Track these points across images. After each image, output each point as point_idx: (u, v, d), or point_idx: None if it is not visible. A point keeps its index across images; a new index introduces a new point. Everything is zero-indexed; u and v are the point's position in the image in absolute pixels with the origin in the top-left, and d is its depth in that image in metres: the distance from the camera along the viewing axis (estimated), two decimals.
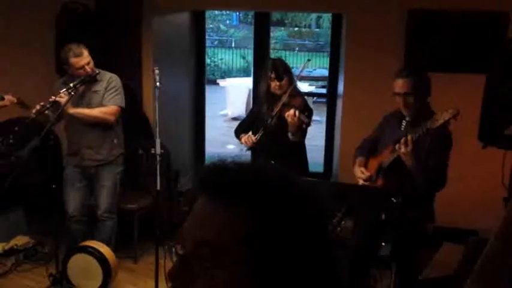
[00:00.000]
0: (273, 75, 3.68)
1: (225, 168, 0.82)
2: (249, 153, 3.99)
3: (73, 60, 3.67)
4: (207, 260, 0.77)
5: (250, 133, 3.81)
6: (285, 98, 3.62)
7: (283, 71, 3.67)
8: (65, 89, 3.65)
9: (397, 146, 2.93)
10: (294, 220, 0.78)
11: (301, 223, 0.79)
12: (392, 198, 2.76)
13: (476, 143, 3.60)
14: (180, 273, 0.79)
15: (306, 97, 3.90)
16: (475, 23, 4.25)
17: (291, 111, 3.44)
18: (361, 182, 3.31)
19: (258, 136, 3.70)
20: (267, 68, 3.73)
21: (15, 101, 3.94)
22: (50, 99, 3.59)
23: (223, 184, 0.79)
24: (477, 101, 3.66)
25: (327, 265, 0.82)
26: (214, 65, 15.00)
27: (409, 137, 2.87)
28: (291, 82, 3.70)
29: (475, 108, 3.62)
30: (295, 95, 3.69)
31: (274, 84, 3.67)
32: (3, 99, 3.98)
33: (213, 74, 14.14)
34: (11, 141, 4.54)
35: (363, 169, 3.33)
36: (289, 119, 3.46)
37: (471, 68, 4.23)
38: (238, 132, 3.95)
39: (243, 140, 3.83)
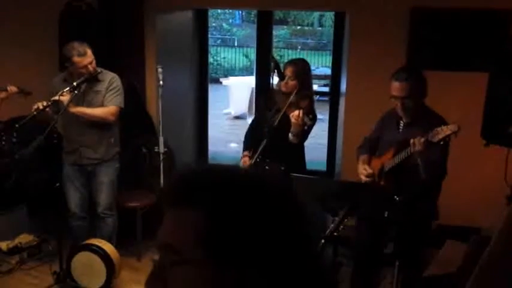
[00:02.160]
0: (275, 75, 3.70)
1: (182, 176, 0.84)
2: None
3: (77, 59, 3.68)
4: (171, 263, 0.79)
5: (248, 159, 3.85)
6: (292, 98, 3.62)
7: (294, 72, 3.66)
8: (67, 88, 3.67)
9: (411, 141, 2.93)
10: (251, 219, 0.78)
11: (261, 222, 0.78)
12: (395, 196, 2.76)
13: (479, 141, 3.61)
14: (153, 279, 0.82)
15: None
16: (477, 21, 4.24)
17: (296, 112, 3.45)
18: (363, 178, 3.32)
19: (255, 158, 3.69)
20: (271, 67, 3.75)
21: (16, 89, 3.96)
22: (53, 98, 3.61)
23: (178, 191, 0.82)
24: (480, 99, 3.66)
25: (298, 263, 0.81)
26: (217, 64, 15.02)
27: (421, 139, 2.88)
28: (303, 84, 3.69)
29: (478, 107, 3.62)
30: (304, 96, 3.69)
31: (283, 82, 3.69)
32: (6, 90, 4.01)
33: (216, 73, 14.15)
34: (14, 139, 4.56)
35: (366, 166, 3.34)
36: (293, 119, 3.47)
37: (474, 66, 4.23)
38: (245, 144, 4.02)
39: (242, 161, 3.91)
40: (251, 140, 3.95)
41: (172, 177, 0.85)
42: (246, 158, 3.86)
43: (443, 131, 2.79)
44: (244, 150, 3.97)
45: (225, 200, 0.78)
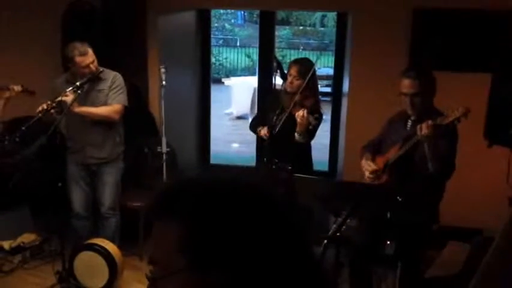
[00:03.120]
0: (278, 75, 3.71)
1: (159, 193, 0.87)
2: (252, 150, 4.01)
3: (78, 59, 3.69)
4: (159, 276, 0.82)
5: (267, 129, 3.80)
6: (297, 97, 3.62)
7: (299, 71, 3.66)
8: (70, 88, 3.68)
9: (418, 127, 2.92)
10: (227, 225, 0.79)
11: (237, 226, 0.79)
12: (398, 197, 2.76)
13: (481, 142, 3.61)
14: None
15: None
16: (480, 21, 4.24)
17: (301, 111, 3.45)
18: (367, 174, 3.30)
19: (277, 128, 3.66)
20: (274, 67, 3.76)
21: (20, 89, 3.97)
22: (57, 99, 3.62)
23: (156, 207, 0.85)
24: (483, 99, 3.67)
25: (280, 263, 0.81)
26: (219, 64, 15.02)
27: (429, 122, 2.87)
28: (308, 84, 3.69)
29: (481, 107, 3.62)
30: (309, 96, 3.69)
31: (288, 82, 3.69)
32: (8, 89, 4.01)
33: (218, 73, 14.15)
34: (17, 139, 4.56)
35: (370, 162, 3.33)
36: (298, 119, 3.47)
37: (477, 67, 4.23)
38: (254, 127, 3.96)
39: (262, 132, 3.81)
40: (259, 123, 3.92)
41: (151, 196, 0.88)
42: (264, 130, 3.77)
43: (454, 114, 2.79)
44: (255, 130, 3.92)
45: (200, 209, 0.80)
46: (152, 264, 0.84)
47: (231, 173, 0.92)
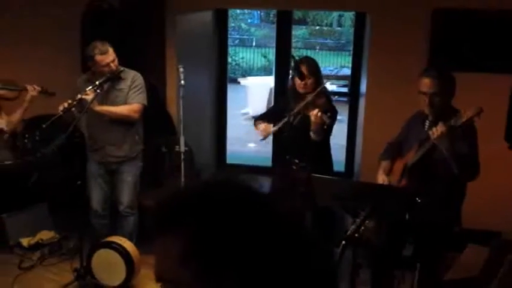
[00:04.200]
0: (295, 74, 3.69)
1: (156, 208, 0.87)
2: (268, 150, 4.01)
3: (99, 57, 3.72)
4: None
5: (267, 124, 3.79)
6: (310, 97, 3.62)
7: (309, 70, 3.66)
8: (91, 87, 3.71)
9: (430, 132, 2.91)
10: (229, 232, 0.78)
11: (240, 233, 0.78)
12: (417, 198, 2.74)
13: (502, 144, 3.57)
14: None
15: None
16: (500, 22, 4.19)
17: (315, 111, 3.45)
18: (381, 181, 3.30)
19: (276, 128, 3.67)
20: (291, 66, 3.75)
21: (40, 89, 4.01)
22: (77, 97, 3.66)
23: (156, 222, 0.85)
24: (503, 101, 3.63)
25: (285, 270, 0.80)
26: (236, 64, 15.03)
27: (441, 124, 2.85)
28: (318, 82, 3.69)
29: (502, 109, 3.58)
30: (320, 95, 3.68)
31: (299, 83, 3.68)
32: (25, 89, 4.05)
33: (234, 73, 14.17)
34: (37, 138, 4.63)
35: (384, 177, 3.32)
36: (312, 118, 3.47)
37: (497, 68, 4.18)
38: (257, 121, 3.94)
39: (260, 128, 3.81)
40: (266, 119, 3.90)
41: (150, 213, 0.88)
42: (262, 125, 3.80)
43: (466, 114, 2.77)
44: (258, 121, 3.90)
45: (200, 219, 0.80)
46: (160, 281, 0.83)
47: (230, 176, 0.90)
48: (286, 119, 3.62)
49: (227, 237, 0.78)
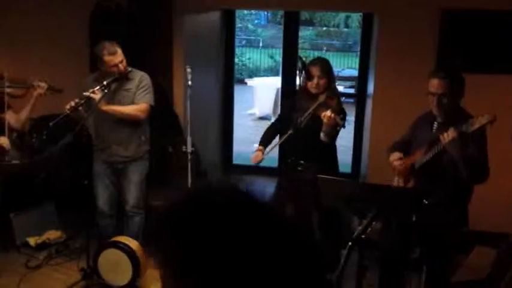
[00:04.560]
0: (303, 75, 3.68)
1: (143, 234, 0.92)
2: (274, 151, 4.03)
3: (107, 58, 3.73)
4: None
5: (259, 153, 3.85)
6: (322, 98, 3.60)
7: (322, 71, 3.65)
8: (98, 87, 3.72)
9: (441, 137, 2.89)
10: (207, 247, 0.80)
11: (219, 249, 0.80)
12: (424, 200, 2.72)
13: (510, 145, 3.54)
14: None
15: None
16: (508, 22, 4.17)
17: (328, 112, 3.42)
18: (396, 164, 3.27)
19: (280, 141, 3.69)
20: (298, 67, 3.73)
21: (46, 86, 4.02)
22: (84, 95, 3.66)
23: (145, 243, 0.90)
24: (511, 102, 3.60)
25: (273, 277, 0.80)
26: (242, 65, 15.04)
27: (451, 129, 2.83)
28: (330, 83, 3.68)
29: (510, 110, 3.56)
30: (332, 96, 3.67)
31: (311, 83, 3.66)
32: (33, 86, 4.05)
33: (241, 74, 14.18)
34: (44, 137, 4.64)
35: (397, 153, 3.29)
36: (325, 120, 3.44)
37: (505, 69, 4.16)
38: (262, 140, 3.99)
39: (252, 155, 3.90)
40: (269, 137, 3.96)
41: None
42: (259, 153, 3.86)
43: (479, 121, 2.74)
44: (259, 145, 3.94)
45: (185, 233, 0.83)
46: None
47: (223, 184, 0.92)
48: (291, 131, 3.61)
49: (215, 249, 0.80)
